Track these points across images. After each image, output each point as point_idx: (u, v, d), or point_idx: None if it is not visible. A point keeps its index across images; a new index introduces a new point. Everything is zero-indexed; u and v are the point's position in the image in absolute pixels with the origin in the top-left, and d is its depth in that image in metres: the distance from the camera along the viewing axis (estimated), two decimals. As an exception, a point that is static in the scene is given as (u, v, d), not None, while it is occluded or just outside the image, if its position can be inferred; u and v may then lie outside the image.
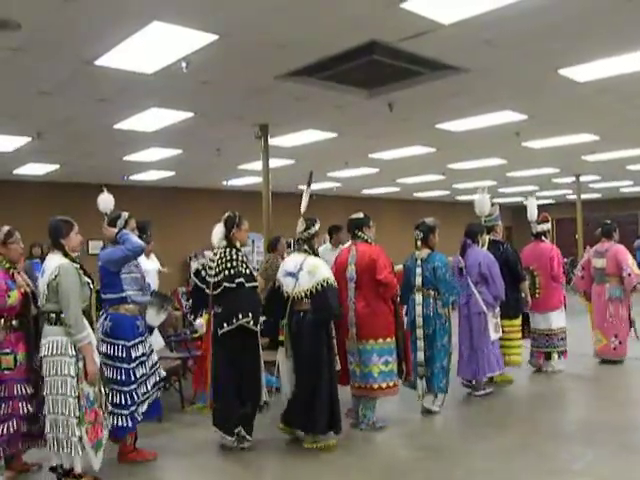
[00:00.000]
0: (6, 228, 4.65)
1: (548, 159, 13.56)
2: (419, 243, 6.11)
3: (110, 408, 4.66)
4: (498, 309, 6.65)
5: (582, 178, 17.04)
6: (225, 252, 5.17)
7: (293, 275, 5.30)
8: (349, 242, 6.03)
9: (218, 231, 5.33)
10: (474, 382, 6.73)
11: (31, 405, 4.48)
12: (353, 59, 6.21)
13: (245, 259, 5.26)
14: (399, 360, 5.62)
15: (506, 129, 9.77)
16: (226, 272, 5.05)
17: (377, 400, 5.64)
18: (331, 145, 10.85)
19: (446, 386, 6.05)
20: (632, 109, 8.87)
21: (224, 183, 15.93)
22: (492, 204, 7.42)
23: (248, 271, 5.15)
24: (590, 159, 13.59)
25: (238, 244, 5.31)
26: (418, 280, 5.99)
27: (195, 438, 5.53)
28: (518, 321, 7.25)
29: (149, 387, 4.96)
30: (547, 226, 7.98)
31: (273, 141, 9.68)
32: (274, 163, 10.66)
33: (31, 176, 13.38)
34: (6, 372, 4.42)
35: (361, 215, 5.93)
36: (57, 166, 12.42)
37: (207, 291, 5.17)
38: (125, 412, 4.74)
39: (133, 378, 4.81)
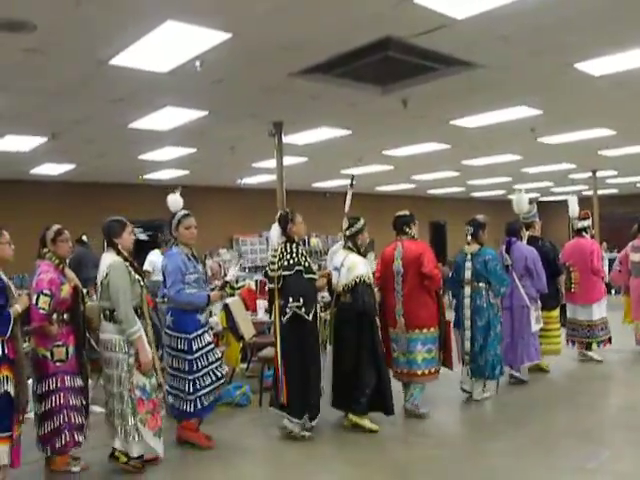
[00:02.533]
0: (56, 227, 4.87)
1: (564, 155, 13.47)
2: (469, 238, 6.50)
3: (176, 392, 5.08)
4: (539, 302, 7.02)
5: (598, 173, 16.89)
6: (285, 246, 5.45)
7: (337, 269, 5.72)
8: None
9: (275, 230, 5.60)
10: (515, 368, 7.05)
11: (81, 398, 4.74)
12: (367, 56, 6.19)
13: (305, 253, 5.52)
14: (440, 348, 5.99)
15: (521, 125, 9.71)
16: (285, 262, 5.34)
17: (425, 384, 6.00)
18: (345, 142, 10.83)
19: (500, 373, 6.44)
20: (649, 103, 8.79)
21: (238, 181, 15.95)
22: (530, 202, 7.74)
23: (307, 263, 5.42)
24: (607, 154, 13.49)
25: (296, 238, 5.56)
26: (468, 274, 6.36)
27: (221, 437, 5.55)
28: (556, 312, 7.63)
29: (213, 378, 5.17)
30: (588, 222, 8.34)
31: (287, 139, 9.68)
32: (288, 161, 10.66)
33: (47, 176, 13.46)
34: (58, 364, 4.65)
35: (407, 213, 6.28)
36: (72, 166, 12.49)
37: (271, 286, 5.44)
38: (190, 397, 5.06)
39: (195, 368, 5.06)
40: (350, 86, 7.31)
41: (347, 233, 5.84)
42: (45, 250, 4.81)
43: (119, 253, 4.75)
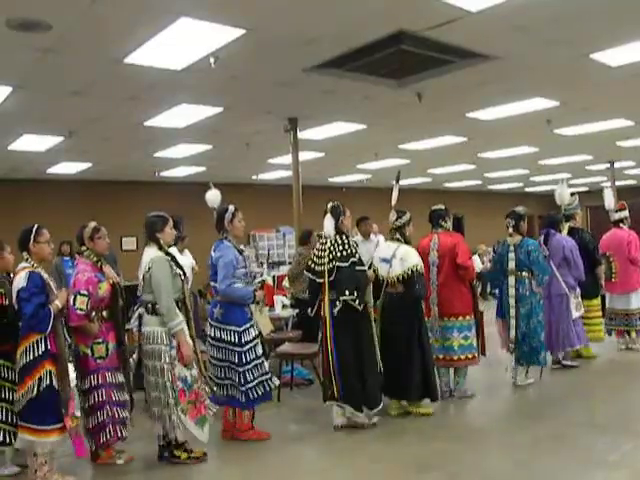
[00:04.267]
0: (93, 224, 4.95)
1: (581, 146, 13.35)
2: (511, 230, 6.69)
3: (226, 382, 5.21)
4: (579, 289, 7.22)
5: (616, 164, 16.73)
6: (336, 239, 5.48)
7: (387, 261, 5.81)
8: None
9: (329, 221, 5.55)
10: (559, 355, 7.34)
11: (122, 393, 4.84)
12: (381, 49, 6.17)
13: (355, 245, 5.56)
14: (477, 335, 6.24)
15: (537, 116, 9.63)
16: (339, 254, 5.38)
17: (467, 369, 6.31)
18: (361, 137, 10.81)
19: (545, 359, 6.67)
20: (667, 93, 8.69)
21: (254, 177, 15.97)
22: (572, 194, 7.86)
23: (358, 256, 5.45)
24: (625, 145, 13.35)
25: (346, 230, 5.64)
26: (511, 264, 6.59)
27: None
28: (597, 301, 7.86)
29: (263, 370, 5.25)
30: (624, 213, 8.40)
31: (302, 134, 9.69)
32: (304, 156, 10.63)
33: (64, 175, 13.58)
34: (99, 361, 4.74)
35: (442, 207, 6.54)
36: (89, 164, 12.58)
37: (319, 281, 5.47)
38: (242, 389, 5.14)
39: (245, 360, 5.14)
40: (364, 80, 7.29)
41: (395, 225, 6.00)
42: (83, 248, 4.89)
43: (161, 248, 4.84)
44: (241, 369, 5.13)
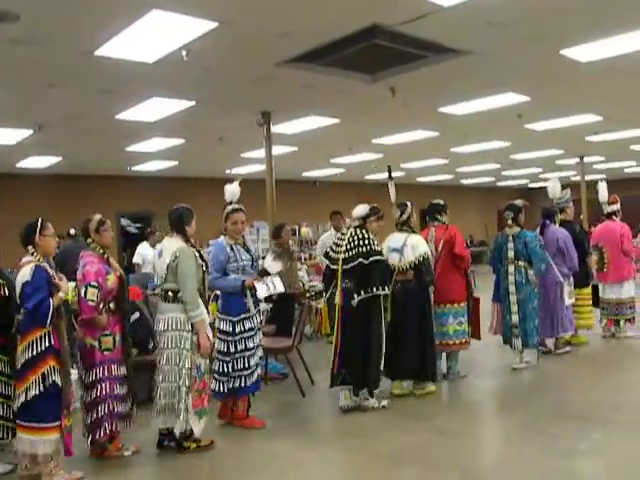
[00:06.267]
0: (98, 216, 4.96)
1: (551, 141, 13.51)
2: (510, 222, 7.05)
3: (233, 373, 5.27)
4: (572, 278, 7.61)
5: (586, 159, 16.97)
6: (356, 232, 5.74)
7: (398, 251, 6.16)
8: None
9: (361, 207, 5.85)
10: (549, 343, 7.70)
11: (123, 386, 4.83)
12: (355, 44, 6.17)
13: (375, 239, 5.77)
14: (468, 321, 6.60)
15: (509, 111, 9.72)
16: (360, 249, 5.62)
17: (459, 353, 6.70)
18: (334, 131, 10.82)
19: (538, 343, 7.09)
20: (635, 89, 8.82)
21: (227, 172, 15.90)
22: (562, 188, 8.18)
23: (379, 248, 5.76)
24: (594, 140, 13.54)
25: (370, 228, 5.84)
26: (510, 254, 6.97)
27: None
28: (587, 290, 8.22)
29: (245, 364, 5.31)
30: (616, 207, 8.73)
31: (276, 128, 9.66)
32: (277, 150, 10.62)
33: (34, 169, 13.38)
34: (106, 353, 4.73)
35: (441, 202, 6.95)
36: (59, 158, 12.41)
37: (333, 267, 5.75)
38: (245, 373, 5.29)
39: (233, 350, 5.26)
40: (338, 74, 7.29)
41: (401, 220, 6.35)
42: (89, 240, 4.89)
43: (187, 240, 4.94)
44: (228, 358, 5.25)
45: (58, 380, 4.30)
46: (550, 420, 5.28)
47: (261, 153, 10.19)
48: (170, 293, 4.84)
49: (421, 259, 6.05)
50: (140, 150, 11.86)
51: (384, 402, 5.79)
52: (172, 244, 4.91)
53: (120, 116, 8.83)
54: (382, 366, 5.72)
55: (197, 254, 4.94)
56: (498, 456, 4.80)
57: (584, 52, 6.82)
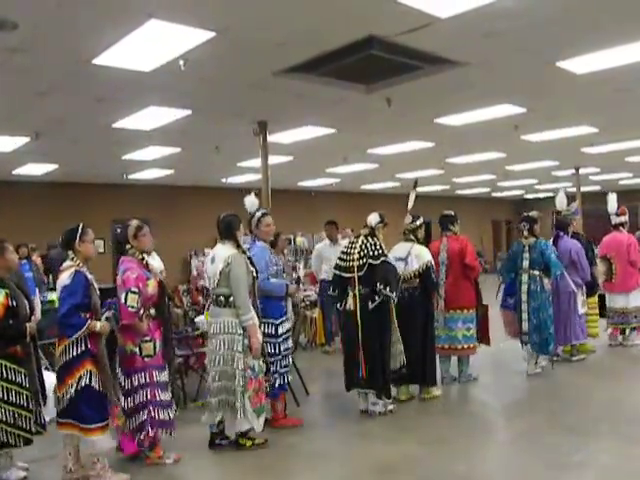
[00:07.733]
0: (136, 222, 5.01)
1: (547, 152, 13.55)
2: (525, 232, 7.28)
3: (281, 370, 5.50)
4: (584, 288, 7.81)
5: (581, 171, 17.02)
6: (367, 239, 5.93)
7: (403, 260, 6.40)
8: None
9: (374, 216, 6.07)
10: (559, 351, 7.83)
11: (166, 393, 4.84)
12: (351, 54, 6.19)
13: (384, 246, 5.96)
14: (477, 327, 6.87)
15: (504, 123, 9.75)
16: (371, 252, 5.82)
17: (469, 357, 6.99)
18: (330, 141, 10.84)
19: (554, 349, 7.29)
20: (630, 101, 8.86)
21: (223, 181, 15.92)
22: (569, 201, 8.46)
23: (387, 254, 5.93)
24: (589, 151, 13.58)
25: (379, 238, 6.02)
26: (525, 263, 7.19)
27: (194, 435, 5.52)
28: (594, 299, 8.41)
29: (287, 362, 5.63)
30: (625, 218, 8.92)
31: (272, 138, 9.67)
32: (273, 160, 10.64)
33: (30, 176, 13.36)
34: (146, 359, 4.75)
35: (452, 213, 7.27)
36: (56, 166, 12.41)
37: (346, 275, 5.89)
38: (276, 376, 5.50)
39: (278, 351, 5.50)
40: (334, 85, 7.31)
41: (410, 228, 6.63)
42: (128, 246, 4.92)
43: (238, 246, 5.06)
44: (272, 359, 5.43)
45: (95, 384, 4.33)
46: (550, 429, 5.29)
47: (257, 162, 10.21)
48: (222, 298, 4.96)
49: (424, 267, 6.30)
50: (136, 158, 11.87)
51: (390, 406, 5.90)
52: (224, 251, 5.01)
53: (117, 124, 8.84)
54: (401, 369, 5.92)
55: (247, 260, 5.04)
56: (487, 466, 4.78)
57: (580, 64, 6.85)
